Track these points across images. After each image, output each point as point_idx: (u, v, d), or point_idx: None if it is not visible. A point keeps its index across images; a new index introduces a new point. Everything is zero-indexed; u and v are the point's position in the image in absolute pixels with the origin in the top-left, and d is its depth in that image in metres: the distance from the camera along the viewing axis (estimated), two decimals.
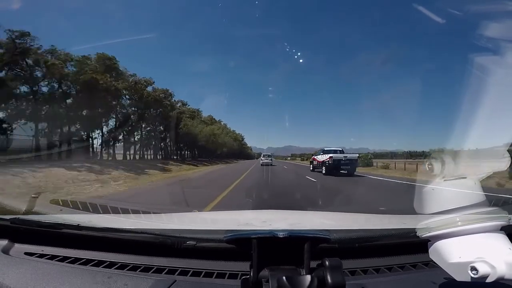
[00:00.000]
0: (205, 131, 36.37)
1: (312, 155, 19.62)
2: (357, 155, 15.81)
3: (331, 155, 14.36)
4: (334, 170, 13.83)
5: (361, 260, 1.16)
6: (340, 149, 16.45)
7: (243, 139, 68.37)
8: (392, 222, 1.83)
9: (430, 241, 0.88)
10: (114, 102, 22.46)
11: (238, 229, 1.24)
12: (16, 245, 1.23)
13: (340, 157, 14.31)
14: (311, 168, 17.72)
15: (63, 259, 1.15)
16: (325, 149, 16.31)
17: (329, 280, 0.75)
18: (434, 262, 0.87)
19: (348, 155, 14.67)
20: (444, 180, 0.91)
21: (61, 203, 2.47)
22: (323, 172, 14.48)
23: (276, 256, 0.86)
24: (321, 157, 15.63)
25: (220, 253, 1.12)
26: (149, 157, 29.68)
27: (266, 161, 24.82)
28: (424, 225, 0.91)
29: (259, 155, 56.13)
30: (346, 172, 14.03)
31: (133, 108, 25.21)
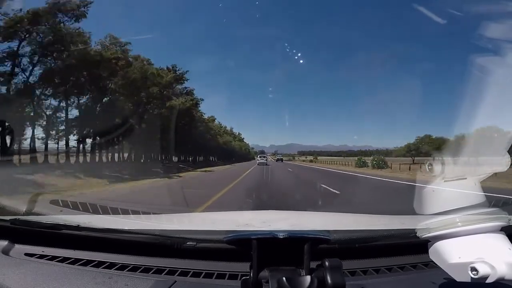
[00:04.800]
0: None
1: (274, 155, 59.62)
2: (282, 156, 55.65)
3: (278, 157, 52.64)
4: (278, 160, 48.29)
5: (361, 260, 1.16)
6: (280, 154, 59.31)
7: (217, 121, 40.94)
8: (392, 223, 1.83)
9: (430, 241, 0.88)
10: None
11: (238, 230, 1.24)
12: (16, 246, 1.23)
13: (278, 157, 53.66)
14: (276, 160, 49.29)
15: (63, 260, 1.15)
16: (277, 155, 57.21)
17: (329, 281, 0.75)
18: (434, 263, 0.87)
19: (279, 157, 53.55)
20: (444, 181, 0.91)
21: (61, 204, 2.46)
22: (276, 160, 48.58)
23: (276, 256, 0.86)
24: (276, 156, 54.05)
25: (220, 253, 1.12)
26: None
27: (262, 161, 32.97)
28: (424, 226, 0.91)
29: (261, 153, 57.38)
30: (280, 161, 47.51)
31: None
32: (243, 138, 61.52)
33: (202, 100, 28.67)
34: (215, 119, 38.39)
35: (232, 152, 50.44)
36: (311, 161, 58.06)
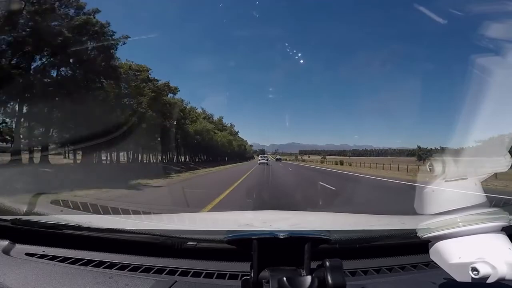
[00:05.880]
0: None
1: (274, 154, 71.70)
2: (280, 156, 66.57)
3: (277, 158, 57.53)
4: (277, 160, 50.51)
5: (361, 260, 1.16)
6: (279, 156, 69.90)
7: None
8: (393, 223, 1.83)
9: (430, 241, 0.88)
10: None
11: (239, 230, 1.24)
12: (17, 246, 1.23)
13: (277, 157, 60.38)
14: (275, 160, 51.56)
15: (64, 259, 1.15)
16: (277, 156, 64.51)
17: (330, 281, 0.75)
18: (435, 263, 0.87)
19: (278, 157, 61.21)
20: (445, 181, 0.90)
21: (61, 204, 2.47)
22: (275, 160, 51.27)
23: (277, 256, 0.86)
24: (276, 157, 59.63)
25: (220, 253, 1.13)
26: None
27: (263, 160, 31.33)
28: (425, 226, 0.91)
29: (261, 152, 60.13)
30: (279, 161, 50.66)
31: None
32: (238, 132, 48.04)
33: (127, 38, 16.70)
34: (176, 88, 22.73)
35: (216, 148, 35.43)
36: (340, 163, 42.62)
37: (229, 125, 46.08)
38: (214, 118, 39.31)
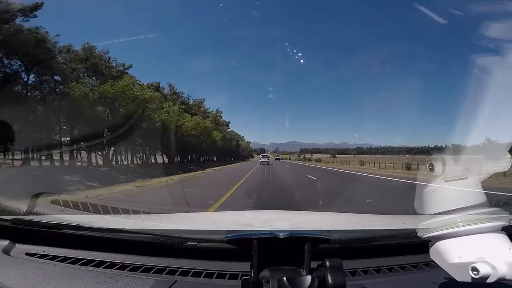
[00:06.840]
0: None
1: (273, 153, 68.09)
2: (279, 156, 62.96)
3: (276, 157, 54.35)
4: (276, 159, 48.26)
5: (361, 260, 1.16)
6: (278, 155, 63.07)
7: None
8: (393, 223, 1.83)
9: (430, 241, 0.88)
10: None
11: (239, 230, 1.24)
12: (17, 246, 1.23)
13: (277, 156, 58.47)
14: (275, 158, 48.87)
15: (64, 259, 1.15)
16: (276, 155, 59.54)
17: (330, 281, 0.75)
18: (435, 263, 0.87)
19: (277, 156, 58.43)
20: (445, 181, 0.90)
21: (61, 204, 2.47)
22: (275, 159, 48.04)
23: (277, 256, 0.86)
24: (275, 156, 56.41)
25: (220, 253, 1.13)
26: None
27: (264, 160, 31.41)
28: (425, 226, 0.91)
29: (262, 151, 62.48)
30: (278, 160, 50.08)
31: None
32: (229, 122, 37.06)
33: None
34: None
35: (186, 141, 24.01)
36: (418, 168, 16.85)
37: (214, 111, 33.19)
38: (190, 101, 29.03)
